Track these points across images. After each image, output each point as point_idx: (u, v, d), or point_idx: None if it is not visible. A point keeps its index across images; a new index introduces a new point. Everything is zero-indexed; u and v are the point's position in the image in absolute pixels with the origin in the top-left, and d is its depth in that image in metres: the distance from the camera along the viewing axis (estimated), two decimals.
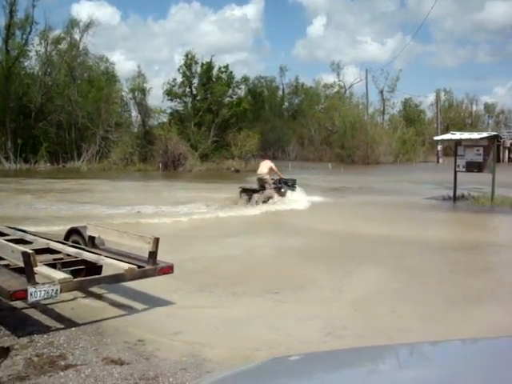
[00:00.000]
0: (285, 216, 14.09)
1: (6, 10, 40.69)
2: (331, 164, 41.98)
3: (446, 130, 47.18)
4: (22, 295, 4.68)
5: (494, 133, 21.84)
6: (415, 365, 1.49)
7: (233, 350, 4.58)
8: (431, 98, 70.11)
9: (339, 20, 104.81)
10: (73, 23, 43.76)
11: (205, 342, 4.76)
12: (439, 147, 51.02)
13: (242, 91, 47.25)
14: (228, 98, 44.50)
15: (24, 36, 41.70)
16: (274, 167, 16.61)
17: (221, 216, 13.49)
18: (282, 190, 16.44)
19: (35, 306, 5.46)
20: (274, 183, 16.39)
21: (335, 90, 61.75)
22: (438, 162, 49.72)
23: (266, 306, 5.92)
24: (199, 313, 5.72)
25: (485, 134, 17.29)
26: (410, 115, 65.58)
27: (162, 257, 5.80)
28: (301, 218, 13.36)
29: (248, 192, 16.30)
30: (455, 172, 17.30)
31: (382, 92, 63.37)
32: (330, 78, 64.77)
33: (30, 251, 5.00)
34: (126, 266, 5.48)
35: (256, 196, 15.88)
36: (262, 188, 16.14)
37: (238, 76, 46.25)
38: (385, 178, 28.69)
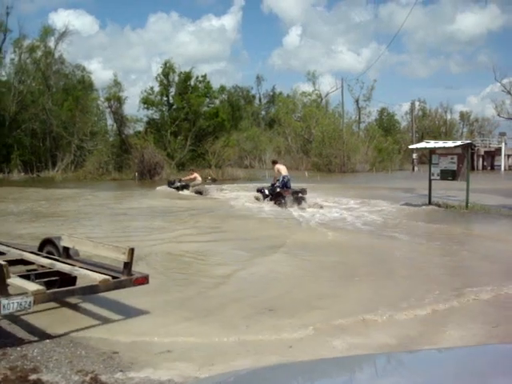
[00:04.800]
0: None
1: None
2: (308, 172, 42.13)
3: (421, 139, 47.92)
4: None
5: (468, 141, 22.24)
6: (393, 373, 1.49)
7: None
8: (405, 107, 71.21)
9: (314, 30, 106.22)
10: (47, 31, 43.43)
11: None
12: (414, 155, 51.71)
13: (218, 101, 47.34)
14: (205, 108, 44.50)
15: None
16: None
17: None
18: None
19: (8, 317, 5.35)
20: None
21: (312, 98, 62.20)
22: (413, 170, 50.39)
23: None
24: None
25: (459, 143, 17.47)
26: (386, 124, 66.37)
27: None
28: None
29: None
30: (430, 180, 17.51)
31: (357, 101, 64.10)
32: (305, 88, 65.32)
33: (3, 262, 4.92)
34: (100, 276, 5.41)
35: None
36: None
37: (215, 85, 46.40)
38: (362, 185, 28.87)
